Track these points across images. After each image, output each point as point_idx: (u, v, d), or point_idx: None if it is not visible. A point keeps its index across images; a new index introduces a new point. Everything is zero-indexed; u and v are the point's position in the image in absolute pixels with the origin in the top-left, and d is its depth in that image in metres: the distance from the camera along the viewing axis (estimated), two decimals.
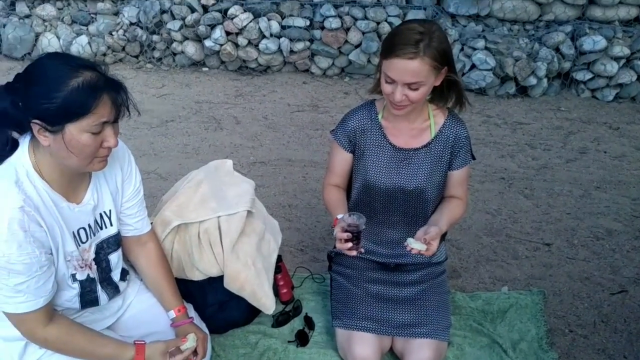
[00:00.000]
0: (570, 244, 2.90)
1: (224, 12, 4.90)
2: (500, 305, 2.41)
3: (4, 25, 5.23)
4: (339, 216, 1.88)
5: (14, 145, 1.49)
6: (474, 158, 2.03)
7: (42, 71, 1.41)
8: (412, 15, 4.82)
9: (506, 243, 2.90)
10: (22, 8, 5.29)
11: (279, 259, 2.32)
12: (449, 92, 1.90)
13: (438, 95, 1.91)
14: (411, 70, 1.70)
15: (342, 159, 2.04)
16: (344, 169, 2.06)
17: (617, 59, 4.62)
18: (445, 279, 2.18)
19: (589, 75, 4.69)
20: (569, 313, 2.44)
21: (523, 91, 4.74)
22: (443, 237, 2.19)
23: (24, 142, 1.49)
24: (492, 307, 2.40)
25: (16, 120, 1.43)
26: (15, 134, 1.50)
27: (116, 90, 1.46)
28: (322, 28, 4.91)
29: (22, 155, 1.48)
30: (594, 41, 4.58)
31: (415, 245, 1.76)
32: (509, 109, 4.53)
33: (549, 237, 2.95)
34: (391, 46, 1.72)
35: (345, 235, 1.78)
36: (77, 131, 1.41)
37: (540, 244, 2.89)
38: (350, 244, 1.78)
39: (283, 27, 4.92)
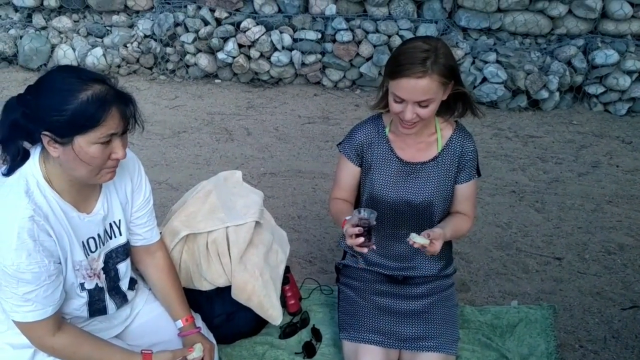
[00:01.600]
0: (582, 258, 2.87)
1: (237, 25, 4.95)
2: (509, 319, 2.39)
3: (21, 37, 5.32)
4: (348, 217, 1.83)
5: (25, 156, 1.51)
6: (479, 174, 2.01)
7: (53, 84, 1.43)
8: (423, 28, 4.83)
9: (516, 257, 2.88)
10: (38, 20, 5.38)
11: (287, 270, 2.32)
12: (455, 104, 1.90)
13: (445, 108, 1.91)
14: (421, 88, 1.70)
15: (350, 173, 2.03)
16: (351, 183, 2.05)
17: (629, 72, 4.59)
18: (454, 292, 2.16)
19: (601, 89, 4.66)
20: (579, 328, 2.41)
21: (535, 104, 4.72)
22: (450, 250, 2.18)
23: (35, 153, 1.52)
24: (502, 321, 2.38)
25: (27, 131, 1.46)
26: (26, 144, 1.52)
27: (125, 103, 1.47)
28: (334, 41, 4.94)
29: (33, 165, 1.51)
30: (606, 55, 4.56)
31: (417, 239, 1.73)
32: (521, 122, 4.52)
33: (559, 251, 2.93)
34: (398, 66, 1.72)
35: (357, 229, 1.73)
36: (86, 143, 1.43)
37: (550, 258, 2.87)
38: (361, 239, 1.73)
39: (295, 40, 4.96)
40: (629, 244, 2.99)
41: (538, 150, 4.07)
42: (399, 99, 1.74)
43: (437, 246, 1.76)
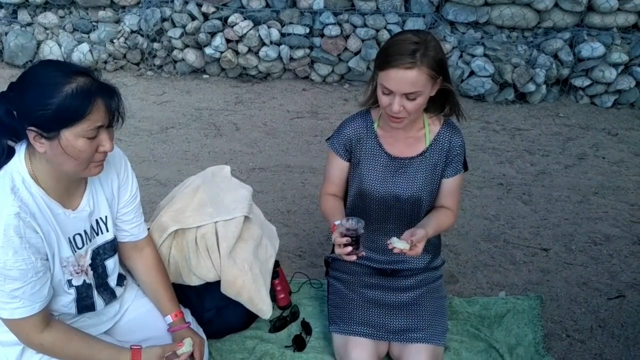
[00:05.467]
0: (568, 249, 2.90)
1: (225, 20, 4.93)
2: (497, 310, 2.41)
3: (6, 33, 5.27)
4: (337, 222, 1.88)
5: (10, 153, 1.50)
6: (466, 169, 2.02)
7: (36, 78, 1.42)
8: (411, 22, 4.84)
9: (504, 248, 2.90)
10: (24, 16, 5.33)
11: (277, 264, 2.33)
12: (444, 101, 1.90)
13: (432, 105, 1.91)
14: (409, 80, 1.70)
15: (339, 168, 2.04)
16: (341, 178, 2.06)
17: (615, 65, 4.63)
18: (442, 283, 2.18)
19: (587, 82, 4.70)
20: (566, 318, 2.44)
21: (522, 97, 4.75)
22: (439, 246, 2.20)
23: (20, 150, 1.51)
24: (490, 312, 2.40)
25: (11, 129, 1.45)
26: (10, 142, 1.51)
27: (109, 95, 1.47)
28: (322, 35, 4.94)
29: (19, 162, 1.50)
30: (592, 48, 4.60)
31: (398, 244, 1.75)
32: (508, 115, 4.55)
33: (546, 242, 2.96)
34: (387, 57, 1.72)
35: (344, 240, 1.77)
36: (73, 136, 1.42)
37: (538, 249, 2.90)
38: (349, 249, 1.77)
39: (283, 35, 4.95)
40: (615, 234, 3.02)
41: (525, 143, 4.10)
42: (387, 90, 1.75)
43: (419, 249, 1.77)
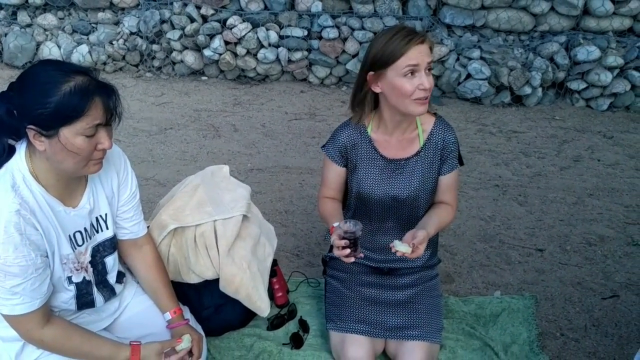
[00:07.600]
0: (563, 249, 2.93)
1: (223, 22, 4.96)
2: (492, 309, 2.43)
3: (6, 34, 5.29)
4: (335, 224, 1.91)
5: (11, 152, 1.52)
6: (461, 164, 2.05)
7: (35, 78, 1.44)
8: (408, 25, 4.87)
9: (499, 249, 2.93)
10: (23, 17, 5.35)
11: (275, 263, 2.35)
12: None
13: None
14: (427, 50, 1.80)
15: (335, 173, 2.07)
16: (338, 182, 2.09)
17: (611, 68, 4.67)
18: (438, 282, 2.20)
19: (583, 85, 4.74)
20: (560, 317, 2.46)
21: (518, 100, 4.79)
22: (436, 243, 2.22)
23: (21, 148, 1.53)
24: (485, 311, 2.43)
25: (12, 128, 1.46)
26: (11, 141, 1.53)
27: (107, 93, 1.49)
28: (320, 38, 4.97)
29: (19, 160, 1.51)
30: (588, 51, 4.64)
31: (400, 247, 1.77)
32: (504, 118, 4.58)
33: (542, 243, 2.99)
34: (398, 44, 1.77)
35: (343, 242, 1.79)
36: (72, 135, 1.44)
37: (533, 250, 2.92)
38: (348, 251, 1.79)
39: (281, 37, 4.98)
40: (609, 235, 3.05)
41: (521, 145, 4.13)
42: (412, 69, 1.77)
43: (420, 251, 1.79)
